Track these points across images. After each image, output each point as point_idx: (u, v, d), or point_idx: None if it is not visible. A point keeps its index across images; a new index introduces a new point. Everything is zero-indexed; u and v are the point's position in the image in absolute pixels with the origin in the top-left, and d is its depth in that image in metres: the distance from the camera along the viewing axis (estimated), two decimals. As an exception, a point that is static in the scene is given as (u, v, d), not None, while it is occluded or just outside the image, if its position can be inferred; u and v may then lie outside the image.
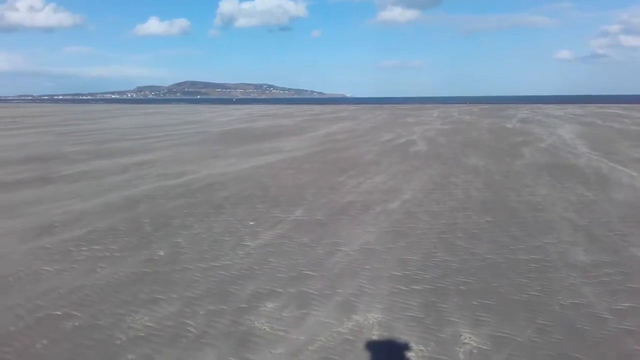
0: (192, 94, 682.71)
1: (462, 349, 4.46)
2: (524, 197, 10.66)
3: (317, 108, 75.47)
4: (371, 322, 4.98)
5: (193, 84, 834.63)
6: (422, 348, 4.47)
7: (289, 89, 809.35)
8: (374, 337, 4.67)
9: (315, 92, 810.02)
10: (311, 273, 6.31)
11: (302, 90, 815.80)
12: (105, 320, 5.02)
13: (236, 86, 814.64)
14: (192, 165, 15.73)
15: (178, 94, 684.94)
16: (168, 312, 5.22)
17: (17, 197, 10.94)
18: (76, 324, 4.95)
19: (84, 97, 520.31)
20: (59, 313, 5.18)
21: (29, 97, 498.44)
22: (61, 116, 56.45)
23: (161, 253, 7.11)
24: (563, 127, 30.78)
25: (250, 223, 8.70)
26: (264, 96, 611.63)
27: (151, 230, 8.29)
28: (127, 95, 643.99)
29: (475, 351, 4.43)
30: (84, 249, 7.29)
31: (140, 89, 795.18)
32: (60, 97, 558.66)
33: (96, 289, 5.84)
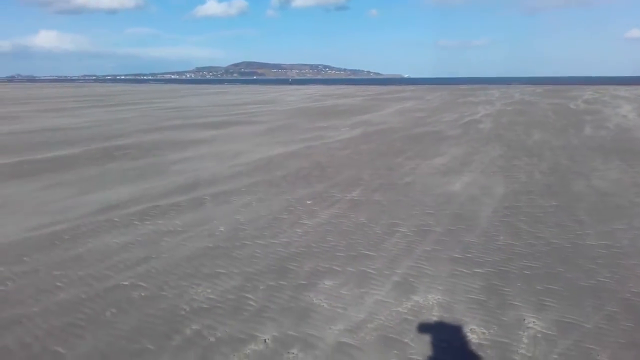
0: (248, 74, 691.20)
1: (525, 333, 4.36)
2: (591, 181, 10.21)
3: (375, 88, 74.63)
4: (431, 303, 4.94)
5: (249, 64, 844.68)
6: (484, 331, 4.40)
7: (345, 69, 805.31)
8: (434, 318, 4.64)
9: (371, 72, 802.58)
10: (369, 253, 6.32)
11: (358, 70, 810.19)
12: (169, 291, 5.22)
13: (292, 66, 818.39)
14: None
15: (235, 75, 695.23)
16: (229, 285, 5.37)
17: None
18: (143, 294, 5.17)
19: (144, 77, 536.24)
20: (126, 283, 5.43)
21: (93, 77, 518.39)
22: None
23: (222, 229, 7.29)
24: (631, 109, 29.15)
25: (308, 202, 8.79)
26: (319, 76, 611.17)
27: (212, 206, 8.52)
28: (185, 76, 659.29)
29: (539, 336, 4.32)
30: (147, 222, 7.58)
31: (198, 70, 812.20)
32: (123, 77, 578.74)
33: (161, 261, 6.08)
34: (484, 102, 38.06)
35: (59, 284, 5.39)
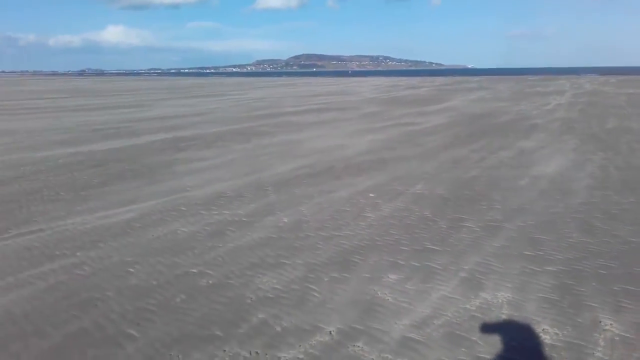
0: (308, 66, 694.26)
1: (602, 336, 4.17)
2: (675, 178, 9.63)
3: (440, 79, 73.47)
4: (500, 300, 4.81)
5: (309, 56, 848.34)
6: (557, 332, 4.24)
7: (406, 61, 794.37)
8: (504, 316, 4.51)
9: (433, 63, 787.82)
10: (435, 247, 6.22)
11: (420, 61, 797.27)
12: (236, 280, 5.34)
13: (351, 58, 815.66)
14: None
15: (294, 67, 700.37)
16: (293, 276, 5.43)
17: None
18: (210, 282, 5.32)
19: (207, 71, 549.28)
20: (194, 271, 5.60)
21: (158, 71, 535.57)
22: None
23: (285, 220, 7.38)
24: None
25: (371, 195, 8.76)
26: (379, 68, 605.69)
27: (275, 197, 8.64)
28: (246, 69, 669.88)
29: (617, 339, 4.12)
30: (214, 212, 7.78)
31: (259, 62, 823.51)
32: (186, 70, 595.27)
33: (227, 250, 6.22)
34: (553, 92, 36.65)
35: (131, 269, 5.63)
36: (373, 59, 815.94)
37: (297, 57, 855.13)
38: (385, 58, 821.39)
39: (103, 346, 4.08)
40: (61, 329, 4.35)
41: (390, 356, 3.89)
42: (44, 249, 6.25)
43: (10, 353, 3.99)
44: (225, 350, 3.99)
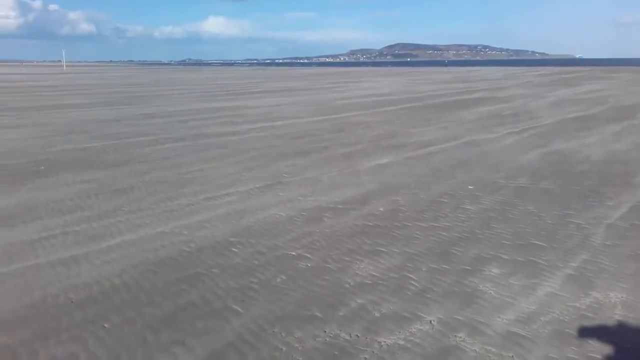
0: (402, 56, 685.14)
1: None
2: None
3: (549, 69, 70.18)
4: (613, 301, 4.55)
5: (404, 46, 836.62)
6: (680, 338, 3.96)
7: (507, 50, 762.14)
8: (617, 317, 4.27)
9: (536, 52, 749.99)
10: (540, 243, 5.99)
11: (522, 50, 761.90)
12: (333, 264, 5.45)
13: (448, 47, 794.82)
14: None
15: (388, 57, 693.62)
16: (391, 264, 5.45)
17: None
18: (308, 265, 5.46)
19: (300, 61, 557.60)
20: (293, 254, 5.77)
21: (255, 61, 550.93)
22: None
23: (381, 209, 7.40)
24: None
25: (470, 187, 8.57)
26: (478, 57, 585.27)
27: (370, 185, 8.69)
28: (339, 59, 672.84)
29: None
30: (310, 199, 7.95)
31: (352, 52, 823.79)
32: (280, 60, 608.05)
33: (324, 235, 6.35)
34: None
35: (234, 249, 5.90)
36: (471, 48, 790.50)
37: (390, 47, 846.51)
38: (485, 47, 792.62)
39: (211, 319, 4.32)
40: (172, 300, 4.65)
41: (494, 349, 3.82)
42: (155, 225, 6.69)
43: (127, 318, 4.33)
44: (325, 331, 4.10)
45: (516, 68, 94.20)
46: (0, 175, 9.58)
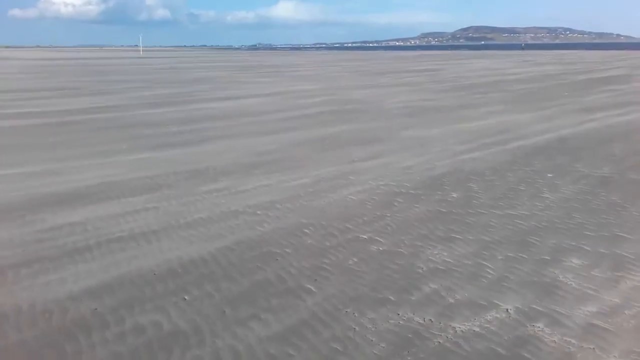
0: (476, 39, 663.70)
1: None
2: None
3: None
4: None
5: (478, 29, 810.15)
6: None
7: (589, 33, 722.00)
8: None
9: (621, 35, 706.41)
10: (626, 235, 5.73)
11: (605, 33, 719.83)
12: (406, 249, 5.45)
13: (526, 30, 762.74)
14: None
15: (461, 40, 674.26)
16: (465, 251, 5.38)
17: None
18: (381, 248, 5.49)
19: (370, 45, 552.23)
20: (365, 237, 5.82)
21: (323, 45, 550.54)
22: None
23: (454, 195, 7.30)
24: None
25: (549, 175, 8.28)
26: (557, 41, 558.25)
27: (442, 172, 8.57)
28: (410, 43, 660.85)
29: None
30: (381, 184, 7.95)
31: (423, 36, 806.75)
32: (349, 44, 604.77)
33: (395, 220, 6.35)
34: None
35: (306, 230, 6.02)
36: (551, 30, 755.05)
37: (464, 30, 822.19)
38: (565, 30, 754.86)
39: (285, 296, 4.45)
40: (247, 277, 4.82)
41: (574, 341, 3.71)
42: (229, 205, 6.92)
43: (205, 292, 4.53)
44: (398, 314, 4.13)
45: (610, 52, 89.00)
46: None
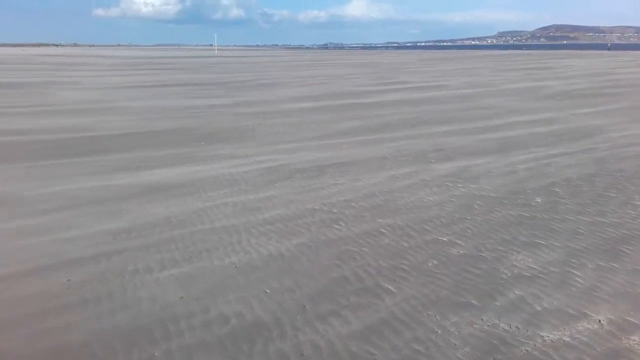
0: (557, 38, 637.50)
1: None
2: None
3: None
4: None
5: (559, 27, 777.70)
6: None
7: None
8: None
9: None
10: None
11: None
12: (487, 253, 5.33)
13: (612, 29, 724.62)
14: None
15: (542, 39, 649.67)
16: (551, 258, 5.20)
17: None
18: (461, 252, 5.40)
19: (444, 44, 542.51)
20: (444, 239, 5.74)
21: (395, 44, 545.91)
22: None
23: (538, 200, 7.06)
24: None
25: (642, 182, 7.85)
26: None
27: (526, 176, 8.31)
28: (486, 42, 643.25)
29: None
30: (459, 184, 7.81)
31: (500, 35, 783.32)
32: (423, 43, 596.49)
33: (475, 223, 6.22)
34: None
35: (383, 230, 6.00)
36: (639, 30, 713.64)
37: (544, 29, 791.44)
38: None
39: (364, 295, 4.47)
40: (326, 274, 4.87)
41: (676, 358, 3.52)
42: (305, 202, 7.01)
43: (286, 286, 4.62)
44: (482, 319, 4.04)
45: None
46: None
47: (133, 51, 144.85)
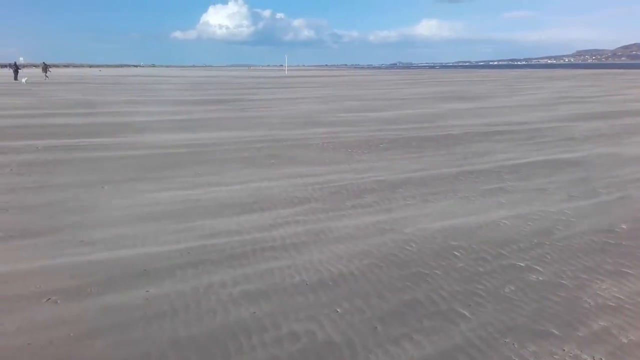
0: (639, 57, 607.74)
1: None
2: None
3: None
4: None
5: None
6: None
7: None
8: None
9: None
10: None
11: None
12: (569, 281, 5.11)
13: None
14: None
15: (623, 58, 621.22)
16: (639, 288, 4.93)
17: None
18: (540, 278, 5.21)
19: (518, 63, 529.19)
20: (522, 265, 5.56)
21: (467, 63, 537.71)
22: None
23: (623, 226, 6.73)
24: None
25: None
26: None
27: (608, 200, 7.94)
28: (563, 60, 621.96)
29: None
30: (537, 209, 7.56)
31: (579, 53, 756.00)
32: (495, 62, 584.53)
33: (555, 248, 6.00)
34: None
35: (456, 253, 5.89)
36: None
37: (626, 47, 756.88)
38: None
39: (437, 319, 4.39)
40: (397, 295, 4.83)
41: None
42: (376, 224, 7.00)
43: (356, 306, 4.62)
44: (564, 350, 3.88)
45: None
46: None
47: (210, 71, 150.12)
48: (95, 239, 6.26)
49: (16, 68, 59.48)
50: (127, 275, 5.24)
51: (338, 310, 4.54)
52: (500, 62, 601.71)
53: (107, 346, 3.98)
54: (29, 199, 8.06)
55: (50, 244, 6.11)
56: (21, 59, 72.98)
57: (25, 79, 52.60)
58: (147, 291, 4.88)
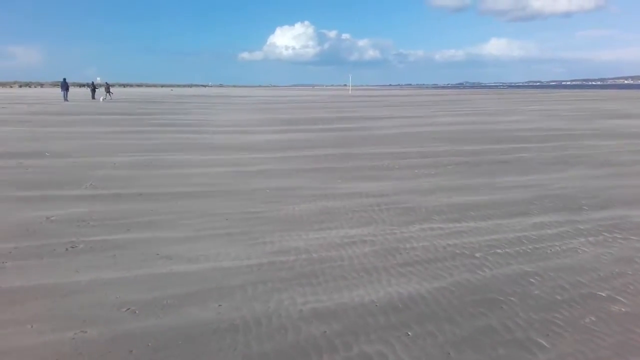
0: None
1: None
2: None
3: None
4: None
5: None
6: None
7: None
8: None
9: None
10: None
11: None
12: None
13: None
14: None
15: None
16: None
17: None
18: (623, 309, 4.99)
19: (592, 83, 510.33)
20: (603, 294, 5.34)
21: (537, 83, 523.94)
22: None
23: None
24: None
25: None
26: None
27: (698, 230, 7.51)
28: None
29: None
30: (618, 236, 7.24)
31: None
32: (568, 82, 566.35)
33: (638, 279, 5.73)
34: None
35: (532, 280, 5.72)
36: None
37: None
38: None
39: (513, 347, 4.28)
40: (470, 321, 4.75)
41: None
42: (445, 245, 6.91)
43: (428, 330, 4.57)
44: (652, 387, 3.70)
45: None
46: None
47: (277, 90, 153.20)
48: (171, 253, 6.51)
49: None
50: (202, 288, 5.41)
51: (409, 333, 4.51)
52: (574, 82, 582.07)
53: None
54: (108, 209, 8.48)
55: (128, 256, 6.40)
56: (98, 78, 77.25)
57: (103, 97, 55.55)
58: (219, 305, 5.02)
